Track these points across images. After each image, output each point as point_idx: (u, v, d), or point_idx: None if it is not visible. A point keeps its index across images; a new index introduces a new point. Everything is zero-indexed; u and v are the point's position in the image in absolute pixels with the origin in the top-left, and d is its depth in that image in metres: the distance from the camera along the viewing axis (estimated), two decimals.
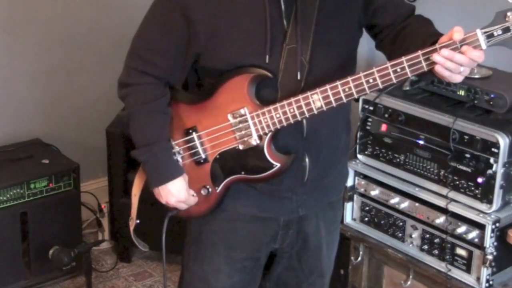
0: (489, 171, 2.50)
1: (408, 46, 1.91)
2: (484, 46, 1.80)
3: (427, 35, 1.91)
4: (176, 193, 2.05)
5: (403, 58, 1.85)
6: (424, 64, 1.84)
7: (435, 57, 1.81)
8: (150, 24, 2.02)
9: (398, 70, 1.86)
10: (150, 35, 2.01)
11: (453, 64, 1.81)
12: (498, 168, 2.48)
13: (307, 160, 2.05)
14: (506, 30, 1.78)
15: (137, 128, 2.05)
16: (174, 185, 2.04)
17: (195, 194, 2.08)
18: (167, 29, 1.98)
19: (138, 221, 2.18)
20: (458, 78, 1.86)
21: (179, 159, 2.08)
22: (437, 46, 1.82)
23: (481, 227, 2.54)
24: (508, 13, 1.77)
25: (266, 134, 1.97)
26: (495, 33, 1.78)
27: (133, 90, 2.03)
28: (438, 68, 1.83)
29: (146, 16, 2.03)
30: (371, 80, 1.88)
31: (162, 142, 2.04)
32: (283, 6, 1.94)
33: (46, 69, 3.68)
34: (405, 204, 2.77)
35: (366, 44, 2.20)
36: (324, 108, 1.92)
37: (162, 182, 2.04)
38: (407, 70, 1.85)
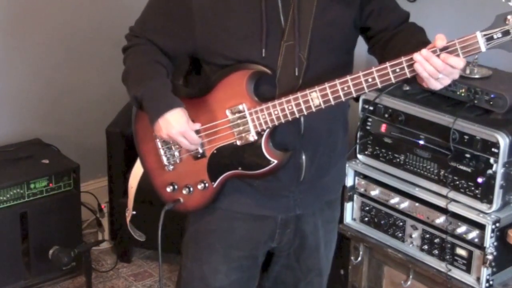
0: (489, 171, 2.49)
1: (398, 53, 1.90)
2: (483, 49, 1.81)
3: (418, 44, 1.90)
4: (176, 123, 1.95)
5: (403, 59, 1.85)
6: None
7: (415, 56, 1.82)
8: (153, 8, 2.06)
9: (397, 70, 1.86)
10: (153, 17, 2.05)
11: (430, 66, 1.81)
12: (498, 168, 2.47)
13: (303, 157, 2.05)
14: (505, 33, 1.79)
15: (132, 71, 2.03)
16: (172, 115, 1.96)
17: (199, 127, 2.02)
18: (169, 14, 2.01)
19: (134, 212, 2.18)
20: (435, 85, 1.86)
21: (177, 152, 2.07)
22: (438, 47, 1.82)
23: (481, 227, 2.54)
24: (508, 17, 1.78)
25: (264, 130, 1.98)
26: (495, 36, 1.79)
27: (136, 48, 2.05)
28: (416, 66, 1.83)
29: (148, 4, 2.07)
30: (370, 80, 1.88)
31: (158, 77, 2.01)
32: (280, 3, 1.95)
33: (46, 69, 3.69)
34: (405, 204, 2.76)
35: (365, 44, 2.19)
36: (323, 106, 1.92)
37: (161, 113, 1.96)
38: (406, 70, 1.86)
